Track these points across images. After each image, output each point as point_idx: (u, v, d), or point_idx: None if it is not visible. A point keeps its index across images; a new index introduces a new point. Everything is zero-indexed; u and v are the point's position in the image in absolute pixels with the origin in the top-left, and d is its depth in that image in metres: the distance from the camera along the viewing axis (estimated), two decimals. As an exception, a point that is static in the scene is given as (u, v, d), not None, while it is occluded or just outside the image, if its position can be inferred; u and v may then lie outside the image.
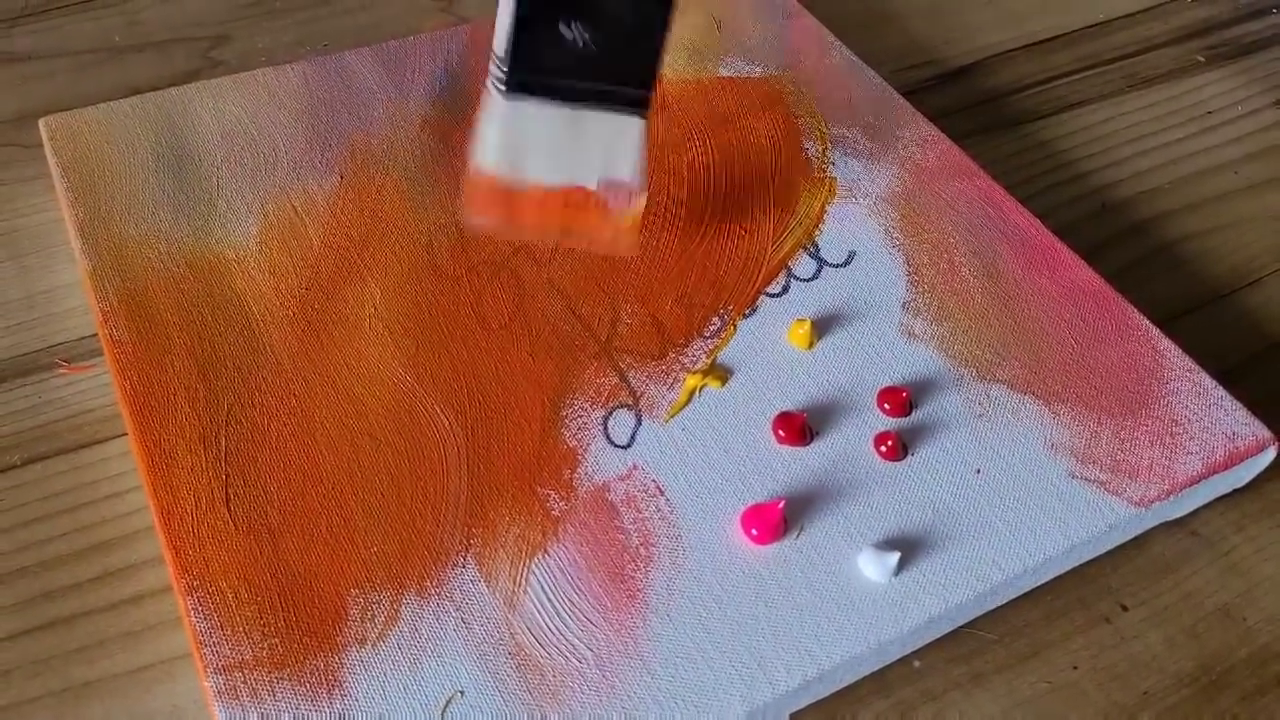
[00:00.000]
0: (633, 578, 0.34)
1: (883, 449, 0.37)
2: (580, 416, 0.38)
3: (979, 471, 0.37)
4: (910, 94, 0.52)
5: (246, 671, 0.31)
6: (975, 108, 0.55)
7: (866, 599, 0.34)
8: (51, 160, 0.45)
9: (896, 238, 0.44)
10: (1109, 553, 0.38)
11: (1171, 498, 0.37)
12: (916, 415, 0.39)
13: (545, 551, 0.34)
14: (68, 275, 0.44)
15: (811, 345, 0.40)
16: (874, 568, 0.34)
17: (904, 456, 0.37)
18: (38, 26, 0.54)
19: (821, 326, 0.41)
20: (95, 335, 0.42)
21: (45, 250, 0.45)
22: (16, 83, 0.52)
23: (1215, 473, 0.38)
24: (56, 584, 0.35)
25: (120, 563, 0.36)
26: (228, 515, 0.34)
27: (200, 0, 0.56)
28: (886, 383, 0.39)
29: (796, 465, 0.37)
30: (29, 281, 0.44)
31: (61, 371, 0.41)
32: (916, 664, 0.35)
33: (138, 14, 0.55)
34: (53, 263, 0.44)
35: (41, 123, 0.46)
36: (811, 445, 0.37)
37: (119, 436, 0.39)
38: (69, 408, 0.40)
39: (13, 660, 0.34)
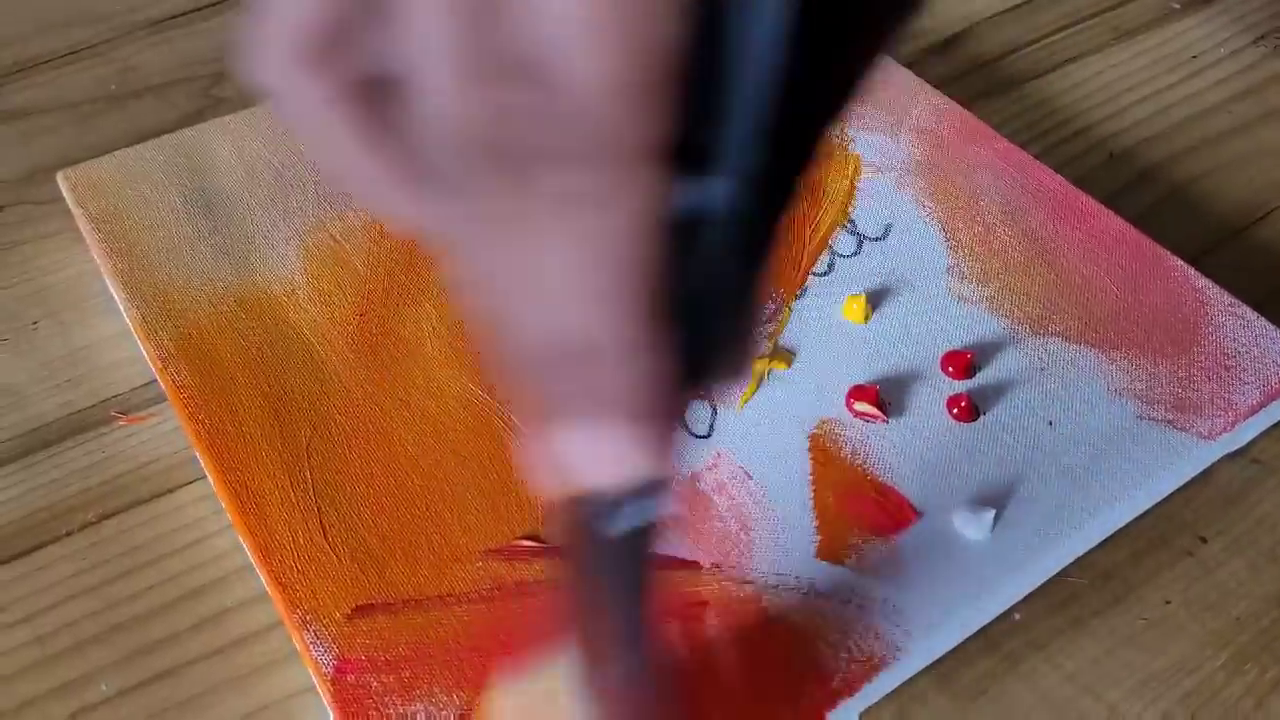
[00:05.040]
0: (739, 563, 0.34)
1: (955, 411, 0.38)
2: (656, 412, 0.38)
3: (1051, 423, 0.38)
4: (906, 66, 0.53)
5: (376, 699, 0.31)
6: (971, 74, 0.56)
7: (968, 557, 0.35)
8: (77, 213, 0.44)
9: (928, 206, 0.45)
10: (1179, 489, 0.39)
11: (1236, 427, 0.38)
12: (981, 376, 0.39)
13: (648, 547, 0.35)
14: (107, 328, 0.43)
15: (867, 318, 0.41)
16: (971, 526, 0.35)
17: (977, 417, 0.38)
18: (31, 82, 0.53)
19: (873, 299, 0.41)
20: (147, 385, 0.41)
21: (79, 305, 0.44)
22: (19, 140, 0.51)
23: (1273, 399, 0.39)
24: (155, 636, 0.35)
25: (216, 607, 0.36)
26: (327, 546, 0.34)
27: (190, 41, 0.56)
28: (947, 347, 0.40)
29: (875, 435, 0.37)
30: (69, 338, 0.43)
31: (120, 424, 0.40)
32: (1017, 616, 0.36)
33: (129, 60, 0.55)
34: (89, 317, 0.44)
35: (60, 176, 0.45)
36: (887, 413, 0.38)
37: (192, 482, 0.38)
38: (135, 459, 0.39)
39: (126, 717, 0.33)
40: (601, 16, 0.15)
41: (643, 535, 0.22)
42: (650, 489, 0.21)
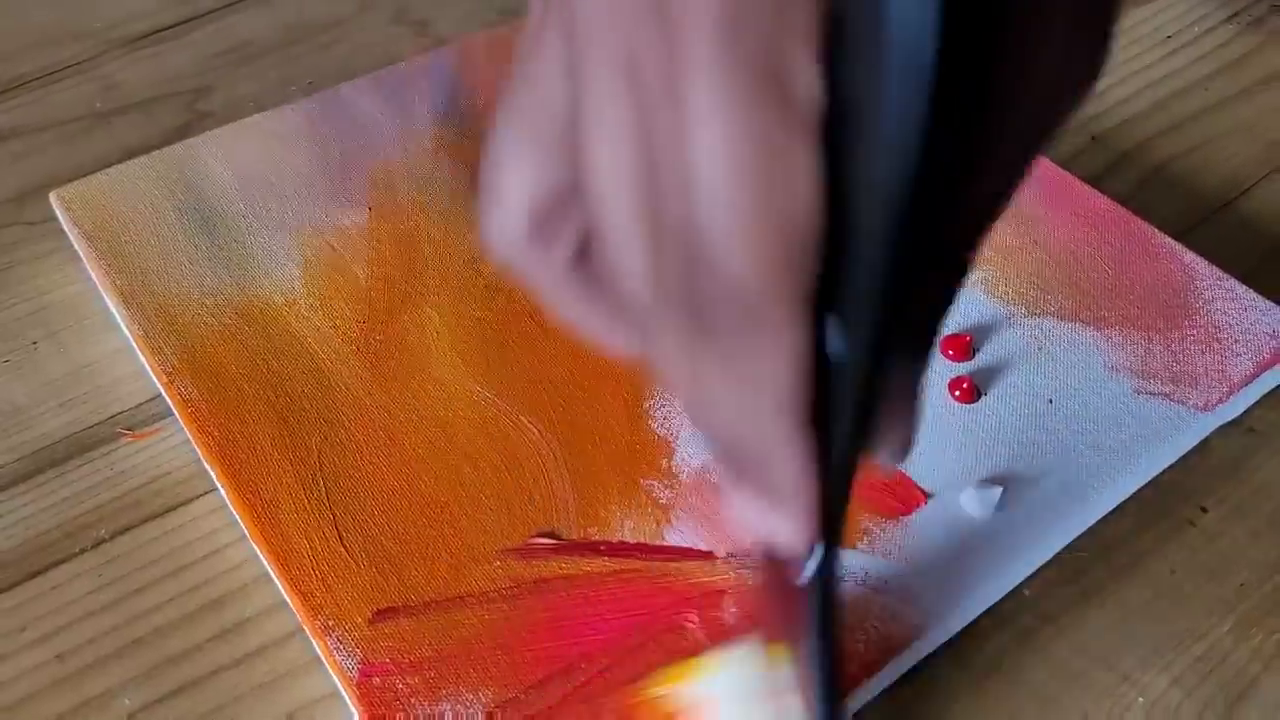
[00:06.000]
0: (754, 552, 0.35)
1: (957, 393, 0.39)
2: (664, 405, 0.38)
3: (1051, 401, 0.39)
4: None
5: (403, 701, 0.31)
6: (950, 61, 0.57)
7: (976, 536, 0.35)
8: (72, 232, 0.44)
9: (918, 193, 0.46)
10: (1178, 460, 0.39)
11: (1231, 398, 0.39)
12: (980, 358, 0.40)
13: (663, 539, 0.35)
14: (107, 345, 0.43)
15: (865, 306, 0.41)
16: (978, 505, 0.35)
17: (978, 398, 0.39)
18: (14, 103, 0.53)
19: (870, 287, 0.42)
20: (152, 400, 0.41)
21: (78, 324, 0.44)
22: (7, 161, 0.51)
23: (1265, 369, 0.40)
24: (176, 649, 0.35)
25: (235, 617, 0.36)
26: (344, 552, 0.34)
27: (173, 55, 0.56)
28: (946, 330, 0.41)
29: (880, 421, 0.38)
30: (70, 357, 0.43)
31: (127, 440, 0.40)
32: (1027, 592, 0.36)
33: (112, 77, 0.55)
34: (88, 335, 0.44)
35: (53, 196, 0.45)
36: (890, 400, 0.39)
37: (203, 495, 0.39)
38: (144, 474, 0.39)
39: (152, 730, 0.33)
40: (745, 197, 0.17)
41: (819, 586, 0.24)
42: (820, 549, 0.23)
